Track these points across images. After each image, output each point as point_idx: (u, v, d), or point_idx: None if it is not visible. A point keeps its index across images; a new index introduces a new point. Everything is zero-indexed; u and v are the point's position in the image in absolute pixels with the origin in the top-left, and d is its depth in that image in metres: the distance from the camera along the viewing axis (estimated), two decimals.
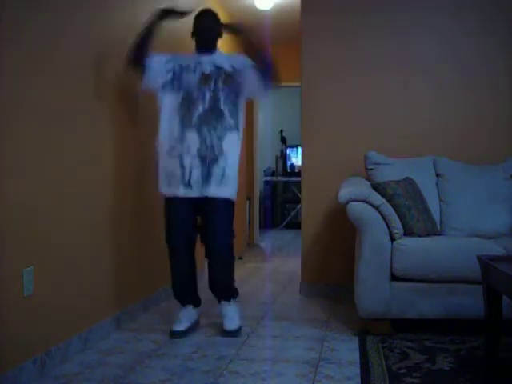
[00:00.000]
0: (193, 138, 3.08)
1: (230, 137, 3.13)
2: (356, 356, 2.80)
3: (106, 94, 3.19)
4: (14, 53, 2.37)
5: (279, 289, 4.49)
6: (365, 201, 3.15)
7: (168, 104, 3.16)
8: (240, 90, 3.18)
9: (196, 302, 3.34)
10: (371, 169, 3.71)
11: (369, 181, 3.63)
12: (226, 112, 3.13)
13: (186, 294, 3.30)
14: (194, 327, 3.25)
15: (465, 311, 3.06)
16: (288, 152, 9.40)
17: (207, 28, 3.20)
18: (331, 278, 4.17)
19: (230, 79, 3.15)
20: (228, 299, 3.28)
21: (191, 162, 3.08)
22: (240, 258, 5.94)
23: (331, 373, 2.58)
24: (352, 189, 3.23)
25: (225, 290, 3.29)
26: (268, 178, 9.33)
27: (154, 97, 3.24)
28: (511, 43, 4.01)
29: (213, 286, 3.29)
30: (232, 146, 3.15)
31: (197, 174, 3.08)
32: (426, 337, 3.06)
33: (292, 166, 9.37)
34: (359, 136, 4.13)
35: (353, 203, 3.17)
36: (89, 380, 2.51)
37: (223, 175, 3.11)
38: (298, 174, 7.96)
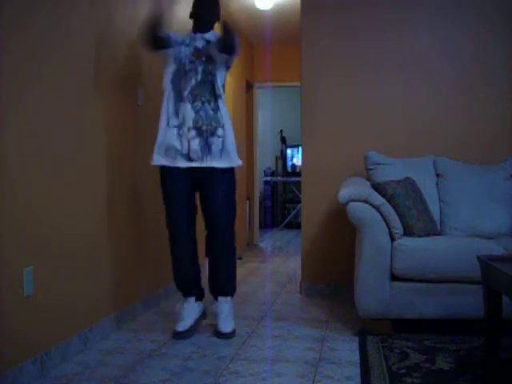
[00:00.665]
0: (187, 110, 3.10)
1: (222, 107, 3.17)
2: (356, 356, 2.80)
3: (106, 92, 3.19)
4: (14, 51, 2.37)
5: (279, 289, 4.49)
6: (365, 201, 3.15)
7: (166, 77, 3.20)
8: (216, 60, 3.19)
9: (199, 294, 3.29)
10: (371, 169, 3.71)
11: (369, 181, 3.63)
12: (217, 84, 3.17)
13: (188, 282, 3.25)
14: (197, 324, 3.22)
15: (465, 311, 3.06)
16: (288, 152, 9.40)
17: (205, 15, 3.26)
18: (331, 278, 4.17)
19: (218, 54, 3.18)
20: (226, 294, 3.23)
21: (188, 133, 3.09)
22: (240, 258, 5.93)
23: (331, 373, 2.58)
24: (352, 189, 3.23)
25: (225, 280, 3.24)
26: (268, 178, 9.33)
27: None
28: (511, 43, 4.01)
29: (213, 274, 3.24)
30: (226, 116, 3.18)
31: (195, 146, 3.09)
32: (425, 337, 3.06)
33: (292, 165, 9.37)
34: (359, 136, 4.13)
35: (353, 203, 3.17)
36: (89, 380, 2.51)
37: (223, 147, 3.13)
38: (298, 174, 7.96)
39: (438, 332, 3.14)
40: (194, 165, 3.11)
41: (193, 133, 3.09)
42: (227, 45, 3.12)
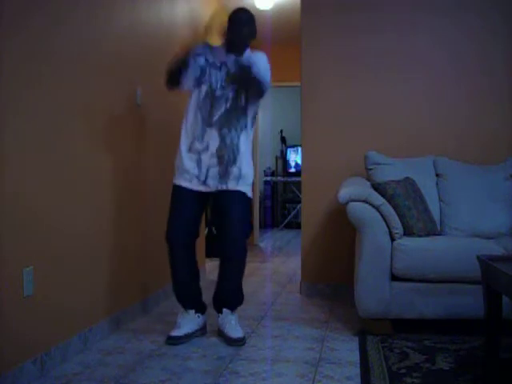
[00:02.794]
0: (213, 137, 3.06)
1: (244, 136, 3.12)
2: (356, 356, 2.80)
3: (106, 92, 3.19)
4: (14, 51, 2.37)
5: (279, 289, 4.49)
6: (365, 201, 3.15)
7: (193, 99, 3.13)
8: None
9: (199, 308, 3.21)
10: (371, 169, 3.71)
11: (369, 181, 3.63)
12: (247, 112, 3.12)
13: (187, 296, 3.20)
14: (193, 335, 3.12)
15: (465, 311, 3.06)
16: (288, 152, 9.39)
17: (240, 35, 3.11)
18: (331, 278, 4.17)
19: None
20: (231, 308, 3.18)
21: (209, 161, 3.06)
22: None
23: (331, 373, 2.58)
24: (352, 189, 3.23)
25: (232, 295, 3.20)
26: (268, 178, 9.33)
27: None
28: (511, 43, 4.01)
29: (220, 289, 3.20)
30: (246, 145, 3.14)
31: (214, 172, 3.07)
32: (425, 337, 3.06)
33: (293, 165, 9.36)
34: (359, 136, 4.13)
35: (353, 203, 3.17)
36: (89, 380, 2.51)
37: (240, 175, 3.10)
38: (298, 174, 7.96)
39: (438, 332, 3.14)
40: (208, 190, 3.10)
41: (214, 160, 3.06)
42: (255, 92, 3.06)
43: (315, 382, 2.48)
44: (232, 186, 3.09)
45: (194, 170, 3.08)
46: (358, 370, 2.60)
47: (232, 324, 3.12)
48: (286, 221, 9.17)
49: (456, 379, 2.47)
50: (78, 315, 2.88)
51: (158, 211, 3.93)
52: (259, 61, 3.07)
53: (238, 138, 3.09)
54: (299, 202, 7.88)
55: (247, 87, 3.07)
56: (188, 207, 3.13)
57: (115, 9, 3.31)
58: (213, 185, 3.08)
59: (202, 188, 3.10)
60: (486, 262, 2.52)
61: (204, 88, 3.10)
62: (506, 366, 2.63)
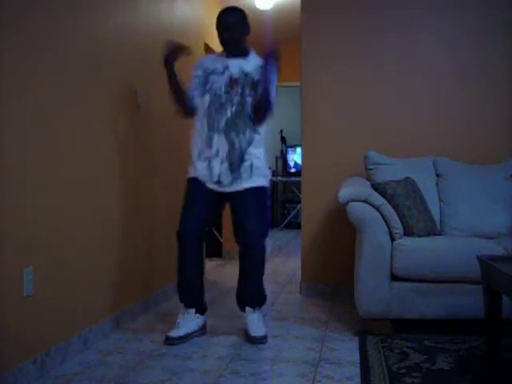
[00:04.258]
0: (221, 142, 3.08)
1: (256, 138, 3.14)
2: (356, 356, 2.80)
3: (106, 93, 3.19)
4: (14, 51, 2.37)
5: (279, 289, 4.49)
6: (365, 201, 3.15)
7: (200, 108, 3.16)
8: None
9: (200, 308, 3.20)
10: (371, 169, 3.71)
11: (369, 181, 3.63)
12: (248, 116, 3.12)
13: (190, 294, 3.19)
14: (192, 335, 3.11)
15: (465, 311, 3.06)
16: (288, 152, 9.39)
17: (232, 38, 3.11)
18: (331, 278, 4.17)
19: (256, 85, 3.11)
20: (253, 306, 3.19)
21: (220, 166, 3.09)
22: None
23: (331, 373, 2.58)
24: (352, 189, 3.23)
25: (253, 293, 3.20)
26: None
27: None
28: (511, 43, 4.01)
29: (240, 288, 3.21)
30: (259, 146, 3.17)
31: (227, 177, 3.10)
32: (425, 337, 3.06)
33: (293, 165, 9.36)
34: (359, 136, 4.13)
35: (353, 203, 3.17)
36: (89, 380, 2.51)
37: (251, 168, 3.12)
38: (298, 174, 7.95)
39: (438, 332, 3.14)
40: (223, 190, 3.13)
41: (225, 165, 3.09)
42: (261, 112, 3.12)
43: (315, 382, 2.48)
44: (246, 179, 3.10)
45: (205, 174, 3.12)
46: (358, 370, 2.60)
47: (254, 323, 3.14)
48: (286, 221, 9.16)
49: (456, 379, 2.47)
50: (78, 315, 2.88)
51: (158, 211, 3.93)
52: (271, 75, 3.07)
53: (248, 142, 3.11)
54: (299, 202, 7.87)
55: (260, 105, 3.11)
56: (201, 202, 3.13)
57: (115, 9, 3.31)
58: (227, 184, 3.11)
59: (215, 188, 3.13)
60: (486, 262, 2.52)
61: (207, 96, 3.12)
62: (506, 366, 2.63)
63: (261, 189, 3.17)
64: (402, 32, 4.13)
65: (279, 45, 3.05)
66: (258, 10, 5.75)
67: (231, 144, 3.08)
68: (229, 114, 3.08)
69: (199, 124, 3.15)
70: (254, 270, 3.18)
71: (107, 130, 3.20)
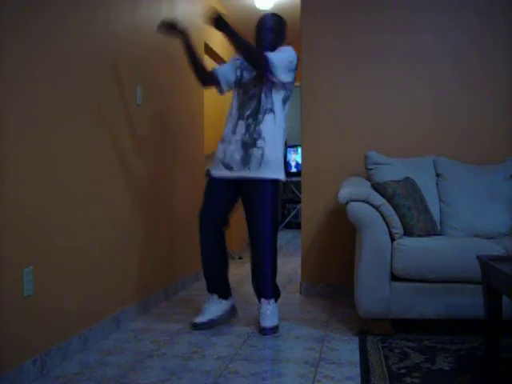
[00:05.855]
0: (241, 128, 3.29)
1: (267, 119, 3.27)
2: (356, 356, 2.80)
3: (106, 93, 3.19)
4: (14, 51, 2.37)
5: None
6: (365, 201, 3.15)
7: (234, 98, 3.39)
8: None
9: (222, 293, 3.37)
10: (371, 169, 3.71)
11: (369, 181, 3.63)
12: (263, 97, 3.28)
13: (211, 279, 3.36)
14: (219, 320, 3.31)
15: (465, 311, 3.06)
16: (289, 152, 9.39)
17: (267, 40, 3.32)
18: (331, 278, 4.17)
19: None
20: (266, 297, 3.32)
21: (234, 146, 3.28)
22: (240, 258, 5.94)
23: (331, 373, 2.58)
24: (352, 189, 3.23)
25: (264, 285, 3.32)
26: None
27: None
28: (511, 43, 4.01)
29: (253, 279, 3.38)
30: (270, 128, 3.27)
31: (237, 157, 3.26)
32: (426, 337, 3.06)
33: (293, 165, 9.36)
34: (359, 136, 4.13)
35: (353, 203, 3.17)
36: (89, 380, 2.51)
37: (262, 158, 3.23)
38: (298, 174, 7.96)
39: (438, 332, 3.14)
40: (234, 175, 3.26)
41: (238, 146, 3.27)
42: (249, 60, 3.23)
43: (315, 382, 2.48)
44: (254, 169, 3.23)
45: (221, 156, 3.32)
46: (358, 370, 2.60)
47: (267, 314, 3.27)
48: (286, 221, 9.17)
49: (456, 379, 2.47)
50: (78, 315, 2.89)
51: (159, 211, 3.93)
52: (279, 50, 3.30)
53: (259, 122, 3.26)
54: (299, 202, 7.88)
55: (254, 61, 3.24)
56: (217, 194, 3.33)
57: (115, 8, 3.31)
58: (236, 168, 3.26)
59: (228, 174, 3.28)
60: (485, 262, 2.52)
61: (241, 91, 3.36)
62: (506, 366, 2.63)
63: (270, 181, 3.26)
64: (401, 32, 4.13)
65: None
66: (257, 10, 5.75)
67: (247, 127, 3.26)
68: (253, 106, 3.28)
69: (233, 111, 3.37)
70: (261, 264, 3.31)
71: (107, 130, 3.20)
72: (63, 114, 2.74)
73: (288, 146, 9.35)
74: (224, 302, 3.38)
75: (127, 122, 3.46)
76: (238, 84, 3.38)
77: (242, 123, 3.28)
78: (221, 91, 3.49)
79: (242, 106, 3.31)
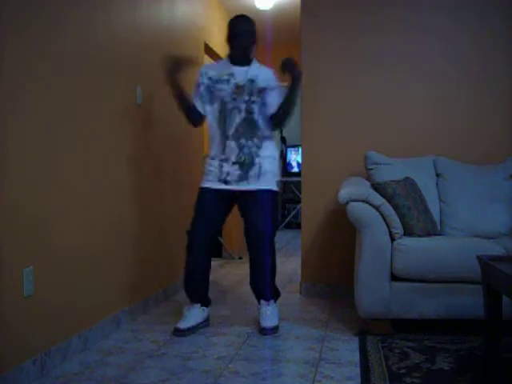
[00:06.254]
0: (232, 148, 3.22)
1: (267, 145, 3.29)
2: (356, 356, 2.80)
3: (106, 93, 3.19)
4: (15, 51, 2.37)
5: (279, 289, 4.48)
6: (365, 201, 3.15)
7: (210, 116, 3.30)
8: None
9: (204, 302, 3.37)
10: (371, 169, 3.71)
11: (369, 181, 3.63)
12: (260, 123, 3.26)
13: (196, 291, 3.33)
14: (198, 327, 3.26)
15: (465, 311, 3.06)
16: (290, 152, 9.39)
17: (238, 34, 3.21)
18: (331, 278, 4.17)
19: (261, 93, 3.24)
20: (266, 299, 3.32)
21: (230, 167, 3.23)
22: (240, 258, 5.94)
23: (331, 373, 2.58)
24: (352, 189, 3.23)
25: (263, 287, 3.32)
26: None
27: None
28: (511, 43, 4.01)
29: (252, 282, 3.36)
30: (269, 152, 3.30)
31: (234, 174, 3.23)
32: (426, 337, 3.06)
33: (293, 165, 9.36)
34: (359, 136, 4.13)
35: (353, 203, 3.17)
36: (89, 380, 2.51)
37: (260, 170, 3.24)
38: (298, 174, 7.96)
39: (438, 332, 3.14)
40: (230, 187, 3.23)
41: (235, 167, 3.23)
42: (280, 123, 3.29)
43: (315, 382, 2.48)
44: (253, 182, 3.23)
45: (216, 172, 3.25)
46: (358, 370, 2.60)
47: (267, 314, 3.27)
48: (286, 221, 9.17)
49: (456, 379, 2.47)
50: (78, 315, 2.89)
51: (158, 211, 3.93)
52: (277, 88, 3.27)
53: (257, 146, 3.25)
54: (299, 202, 7.88)
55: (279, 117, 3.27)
56: (209, 206, 3.27)
57: (115, 8, 3.31)
58: (234, 182, 3.23)
59: (223, 186, 3.24)
60: (485, 262, 2.52)
61: (216, 105, 3.25)
62: (506, 366, 2.63)
63: (268, 192, 3.27)
64: (402, 32, 4.13)
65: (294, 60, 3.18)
66: (257, 10, 5.75)
67: (241, 149, 3.21)
68: (238, 120, 3.22)
69: (213, 131, 3.30)
70: (261, 265, 3.30)
71: (107, 130, 3.20)
72: (63, 113, 2.74)
73: (288, 146, 9.37)
74: (206, 309, 3.36)
75: (127, 121, 3.46)
76: (207, 99, 3.28)
77: (231, 144, 3.21)
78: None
79: (222, 123, 3.23)
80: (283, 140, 9.39)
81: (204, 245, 3.29)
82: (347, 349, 2.92)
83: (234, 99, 3.21)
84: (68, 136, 2.79)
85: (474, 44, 4.06)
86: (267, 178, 3.27)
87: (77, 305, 2.86)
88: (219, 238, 5.91)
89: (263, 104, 3.25)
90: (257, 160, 3.24)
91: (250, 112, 3.22)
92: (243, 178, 3.23)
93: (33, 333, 2.50)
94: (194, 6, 4.89)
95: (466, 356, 2.76)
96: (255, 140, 3.24)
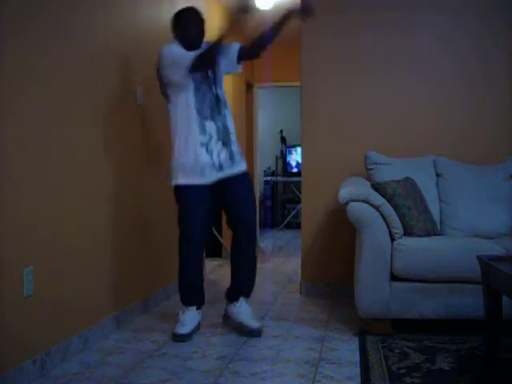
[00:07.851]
0: (211, 127, 3.20)
1: (227, 114, 3.29)
2: (356, 356, 2.80)
3: (106, 93, 3.19)
4: (15, 50, 2.37)
5: (279, 289, 4.49)
6: (365, 201, 3.15)
7: (185, 99, 3.18)
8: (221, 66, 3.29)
9: (200, 302, 3.28)
10: (371, 169, 3.71)
11: (369, 181, 3.63)
12: (221, 95, 3.28)
13: (193, 293, 3.24)
14: (196, 330, 3.19)
15: (465, 311, 3.06)
16: (290, 152, 9.39)
17: (199, 23, 3.27)
18: (331, 278, 4.17)
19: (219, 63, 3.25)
20: (247, 295, 3.31)
21: (216, 146, 3.20)
22: None
23: (331, 373, 2.58)
24: (352, 189, 3.23)
25: (250, 281, 3.32)
26: (268, 178, 9.32)
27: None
28: (511, 43, 4.01)
29: (239, 277, 3.30)
30: (232, 123, 3.32)
31: (225, 156, 3.22)
32: (426, 337, 3.06)
33: (293, 165, 9.36)
34: (359, 136, 4.13)
35: (353, 203, 3.17)
36: (89, 380, 2.51)
37: (238, 150, 3.30)
38: (298, 174, 7.96)
39: (438, 332, 3.14)
40: (224, 174, 3.20)
41: (220, 144, 3.21)
42: (256, 54, 3.35)
43: (315, 382, 2.48)
44: (237, 162, 3.26)
45: (207, 159, 3.16)
46: (358, 370, 2.60)
47: (250, 314, 3.24)
48: (286, 221, 9.16)
49: (456, 379, 2.47)
50: (78, 315, 2.89)
51: (158, 211, 3.93)
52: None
53: (225, 118, 3.26)
54: (299, 202, 7.87)
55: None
56: (203, 206, 3.20)
57: (116, 8, 3.31)
58: (226, 165, 3.21)
59: (217, 175, 3.19)
60: (485, 262, 2.52)
61: (191, 87, 3.18)
62: (506, 366, 2.63)
63: (247, 174, 3.33)
64: (402, 32, 4.13)
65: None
66: (258, 9, 5.74)
67: (217, 126, 3.21)
68: (212, 99, 3.22)
69: (185, 113, 3.16)
70: (252, 260, 3.31)
71: (107, 130, 3.20)
72: (63, 114, 2.74)
73: (288, 145, 9.37)
74: (200, 312, 3.27)
75: (127, 121, 3.46)
76: (185, 83, 3.16)
77: (209, 123, 3.18)
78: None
79: (198, 105, 3.17)
80: (283, 140, 9.39)
81: (201, 244, 3.28)
82: (347, 349, 2.92)
83: (205, 79, 3.21)
84: (68, 136, 2.79)
85: (474, 44, 4.06)
86: (243, 159, 3.33)
87: (77, 305, 2.86)
88: (219, 238, 5.91)
89: (221, 74, 3.27)
90: (232, 137, 3.27)
91: (218, 88, 3.26)
92: (231, 158, 3.23)
93: (33, 333, 2.50)
94: (194, 6, 4.88)
95: (466, 356, 2.76)
96: (222, 113, 3.24)
